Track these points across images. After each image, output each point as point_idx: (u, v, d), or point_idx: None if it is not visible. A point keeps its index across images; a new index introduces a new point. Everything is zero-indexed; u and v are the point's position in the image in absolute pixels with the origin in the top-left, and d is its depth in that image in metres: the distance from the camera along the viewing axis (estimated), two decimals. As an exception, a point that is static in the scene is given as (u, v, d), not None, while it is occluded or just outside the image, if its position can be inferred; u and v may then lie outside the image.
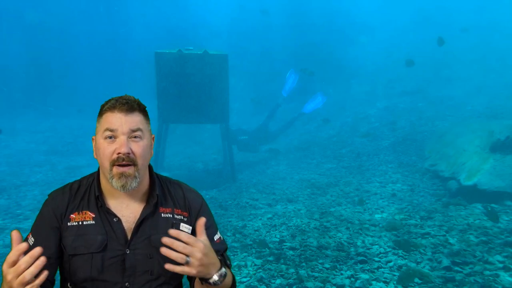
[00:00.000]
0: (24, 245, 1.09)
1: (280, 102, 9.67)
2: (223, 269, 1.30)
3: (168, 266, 1.19)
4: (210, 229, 1.50)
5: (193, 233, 1.44)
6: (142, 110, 1.39)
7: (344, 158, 8.20)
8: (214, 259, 1.28)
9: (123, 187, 1.33)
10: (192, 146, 10.66)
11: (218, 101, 7.48)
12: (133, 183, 1.34)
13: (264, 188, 6.96)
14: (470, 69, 11.43)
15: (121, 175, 1.32)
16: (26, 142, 10.76)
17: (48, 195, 1.45)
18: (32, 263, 1.09)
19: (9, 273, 1.08)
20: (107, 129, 1.33)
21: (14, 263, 1.08)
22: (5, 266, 1.09)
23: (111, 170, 1.33)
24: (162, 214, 1.44)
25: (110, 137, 1.33)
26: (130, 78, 15.58)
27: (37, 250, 1.10)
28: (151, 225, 1.41)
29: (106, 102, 1.37)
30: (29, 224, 1.41)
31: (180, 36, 15.26)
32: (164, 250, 1.19)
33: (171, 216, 1.45)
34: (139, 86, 13.79)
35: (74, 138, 11.21)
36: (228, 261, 1.51)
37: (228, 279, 1.37)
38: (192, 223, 1.48)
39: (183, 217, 1.47)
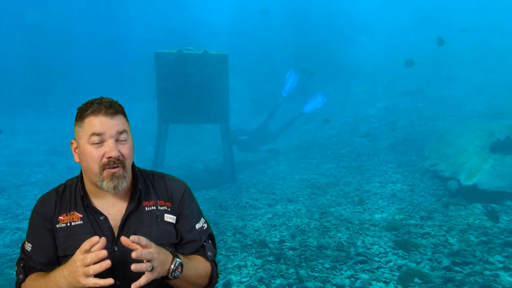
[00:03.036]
0: (96, 239, 1.21)
1: (280, 102, 9.66)
2: (177, 259, 1.32)
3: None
4: (191, 217, 1.52)
5: (178, 222, 1.49)
6: (123, 111, 1.41)
7: (344, 158, 8.19)
8: (165, 254, 1.30)
9: (115, 188, 1.35)
10: (192, 146, 10.66)
11: (218, 101, 7.48)
12: (124, 183, 1.38)
13: (264, 188, 6.96)
14: (470, 69, 11.43)
15: (112, 176, 1.34)
16: (26, 142, 10.76)
17: (37, 201, 1.49)
18: (96, 262, 1.20)
19: (79, 260, 1.21)
20: (93, 134, 1.33)
21: (86, 252, 1.21)
22: (78, 252, 1.23)
23: (101, 174, 1.34)
24: (146, 207, 1.46)
25: (97, 143, 1.33)
26: (130, 78, 15.59)
27: (103, 252, 1.20)
28: (136, 219, 1.43)
29: (87, 106, 1.35)
30: (29, 224, 1.43)
31: (180, 36, 15.26)
32: (134, 267, 1.21)
33: (154, 208, 1.47)
34: (139, 86, 13.85)
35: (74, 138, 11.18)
36: (209, 252, 1.52)
37: (191, 271, 1.38)
38: (176, 212, 1.50)
39: (167, 207, 1.49)
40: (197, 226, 1.53)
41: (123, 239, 1.23)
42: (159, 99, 7.41)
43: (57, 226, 1.40)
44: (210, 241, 1.57)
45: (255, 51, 15.02)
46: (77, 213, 1.41)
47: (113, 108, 1.35)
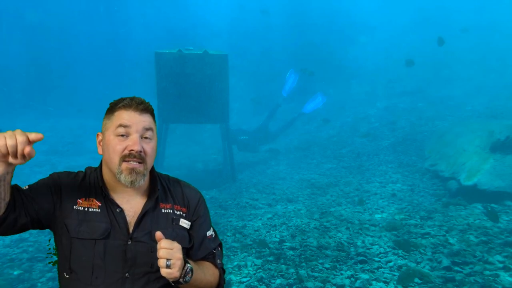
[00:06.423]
0: (39, 136, 1.13)
1: (280, 102, 9.67)
2: (188, 265, 1.35)
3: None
4: (204, 225, 1.55)
5: (192, 228, 1.52)
6: (152, 112, 1.45)
7: (344, 158, 8.19)
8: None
9: (132, 182, 1.37)
10: (192, 146, 10.66)
11: (218, 101, 7.48)
12: (141, 180, 1.39)
13: (264, 188, 6.96)
14: (470, 69, 11.44)
15: (132, 171, 1.36)
16: (26, 142, 10.75)
17: (54, 172, 1.52)
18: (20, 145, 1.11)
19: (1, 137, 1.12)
20: (120, 125, 1.36)
21: (13, 136, 1.11)
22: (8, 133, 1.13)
23: (120, 165, 1.36)
24: (163, 209, 1.48)
25: (123, 135, 1.37)
26: (130, 78, 15.59)
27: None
28: (152, 220, 1.45)
29: (119, 101, 1.41)
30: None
31: (180, 36, 15.28)
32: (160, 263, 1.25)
33: (171, 211, 1.49)
34: (139, 86, 13.83)
35: (74, 138, 11.20)
36: (218, 260, 1.56)
37: (201, 276, 1.42)
38: (191, 218, 1.53)
39: (182, 212, 1.52)
40: (208, 233, 1.57)
41: (158, 234, 1.28)
42: (159, 99, 7.41)
43: (74, 207, 1.43)
44: (219, 249, 1.61)
45: (255, 51, 15.03)
46: (96, 201, 1.44)
47: (143, 105, 1.40)
